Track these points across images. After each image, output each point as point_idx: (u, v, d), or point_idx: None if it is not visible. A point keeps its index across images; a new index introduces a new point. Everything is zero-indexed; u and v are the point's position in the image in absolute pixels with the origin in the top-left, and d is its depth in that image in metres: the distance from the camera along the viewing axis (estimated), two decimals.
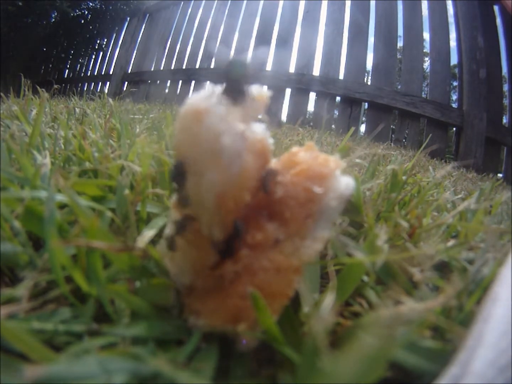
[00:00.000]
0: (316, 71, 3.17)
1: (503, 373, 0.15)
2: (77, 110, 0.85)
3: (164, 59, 4.39)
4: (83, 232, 0.22)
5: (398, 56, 3.56)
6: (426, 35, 2.95)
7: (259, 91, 0.20)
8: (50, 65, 6.56)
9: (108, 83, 4.81)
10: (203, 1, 4.22)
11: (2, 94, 0.81)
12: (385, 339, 0.13)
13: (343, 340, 0.21)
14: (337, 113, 3.11)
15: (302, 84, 3.14)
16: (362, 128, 3.14)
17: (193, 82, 3.92)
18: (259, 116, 0.22)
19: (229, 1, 3.94)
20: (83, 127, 0.49)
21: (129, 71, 4.76)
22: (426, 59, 3.37)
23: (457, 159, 2.16)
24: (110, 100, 0.92)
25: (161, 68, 4.38)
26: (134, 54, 4.82)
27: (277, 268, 0.19)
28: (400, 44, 3.14)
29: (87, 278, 0.21)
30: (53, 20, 6.26)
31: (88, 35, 6.06)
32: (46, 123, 0.67)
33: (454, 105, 2.85)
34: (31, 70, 6.08)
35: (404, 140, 2.93)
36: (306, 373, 0.16)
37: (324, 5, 3.33)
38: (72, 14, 5.98)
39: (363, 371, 0.13)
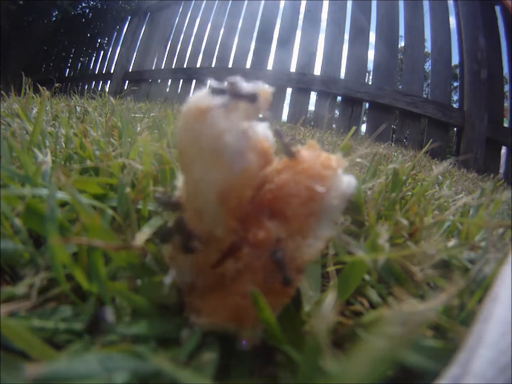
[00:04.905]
0: (317, 71, 3.17)
1: (503, 373, 0.15)
2: (78, 108, 0.85)
3: (165, 58, 4.39)
4: (84, 230, 0.22)
5: (399, 56, 3.56)
6: (428, 35, 2.95)
7: (262, 89, 0.20)
8: (51, 64, 6.55)
9: (109, 81, 4.81)
10: (204, 1, 4.22)
11: (3, 92, 0.81)
12: (394, 340, 0.13)
13: (344, 339, 0.21)
14: (338, 113, 3.11)
15: (303, 83, 3.13)
16: (363, 127, 3.13)
17: (194, 81, 3.92)
18: (261, 115, 0.21)
19: (230, 1, 3.94)
20: (84, 125, 0.49)
21: (130, 70, 4.76)
22: (427, 59, 3.36)
23: (458, 159, 2.16)
24: (111, 98, 0.92)
25: (162, 67, 4.37)
26: (135, 53, 4.81)
27: None
28: (401, 44, 3.14)
29: (87, 276, 0.21)
30: (54, 18, 6.27)
31: (89, 34, 6.06)
32: (47, 121, 0.67)
33: (455, 105, 2.85)
34: (32, 68, 6.07)
35: (405, 140, 2.92)
36: (307, 372, 0.16)
37: (325, 4, 3.33)
38: (73, 13, 5.97)
39: (369, 372, 0.13)
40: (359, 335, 0.21)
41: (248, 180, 0.19)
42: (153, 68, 4.47)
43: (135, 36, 4.90)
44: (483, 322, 0.17)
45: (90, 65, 5.83)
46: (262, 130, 0.21)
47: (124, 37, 5.15)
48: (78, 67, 6.11)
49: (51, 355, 0.16)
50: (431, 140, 0.78)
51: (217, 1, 4.07)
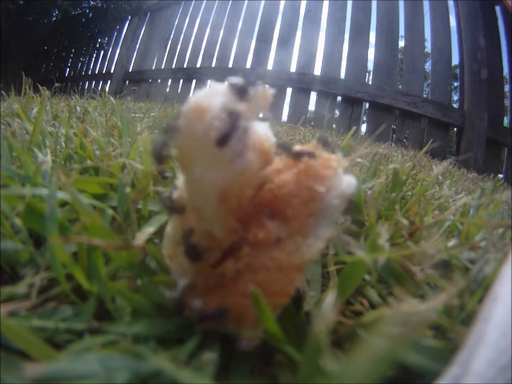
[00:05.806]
0: (317, 71, 3.17)
1: (503, 373, 0.15)
2: (78, 108, 0.85)
3: (165, 58, 4.39)
4: (84, 229, 0.22)
5: (400, 56, 3.56)
6: (428, 35, 2.95)
7: (263, 90, 0.20)
8: (51, 64, 6.55)
9: (109, 81, 4.81)
10: (204, 0, 4.21)
11: (3, 92, 0.81)
12: (394, 340, 0.13)
13: (344, 339, 0.21)
14: (338, 113, 3.11)
15: (303, 83, 3.13)
16: (363, 127, 3.13)
17: (194, 81, 3.92)
18: (262, 115, 0.21)
19: (230, 1, 3.94)
20: (84, 125, 0.49)
21: (130, 69, 4.76)
22: (428, 59, 3.36)
23: (458, 159, 2.17)
24: (111, 98, 0.92)
25: (162, 67, 4.37)
26: (135, 52, 4.81)
27: (278, 266, 0.19)
28: (401, 44, 3.14)
29: (88, 276, 0.21)
30: (54, 18, 6.27)
31: (89, 34, 6.06)
32: (47, 121, 0.68)
33: (455, 106, 2.85)
34: (32, 68, 6.07)
35: (405, 140, 2.93)
36: (307, 372, 0.16)
37: (325, 4, 3.33)
38: (73, 13, 5.97)
39: (369, 372, 0.13)
40: (359, 335, 0.21)
41: (248, 180, 0.19)
42: (153, 68, 4.47)
43: (135, 36, 4.89)
44: (483, 322, 0.17)
45: (90, 65, 5.83)
46: (262, 130, 0.21)
47: (124, 37, 5.15)
48: (78, 67, 6.11)
49: (51, 355, 0.16)
50: (431, 140, 0.78)
51: (217, 1, 4.07)
